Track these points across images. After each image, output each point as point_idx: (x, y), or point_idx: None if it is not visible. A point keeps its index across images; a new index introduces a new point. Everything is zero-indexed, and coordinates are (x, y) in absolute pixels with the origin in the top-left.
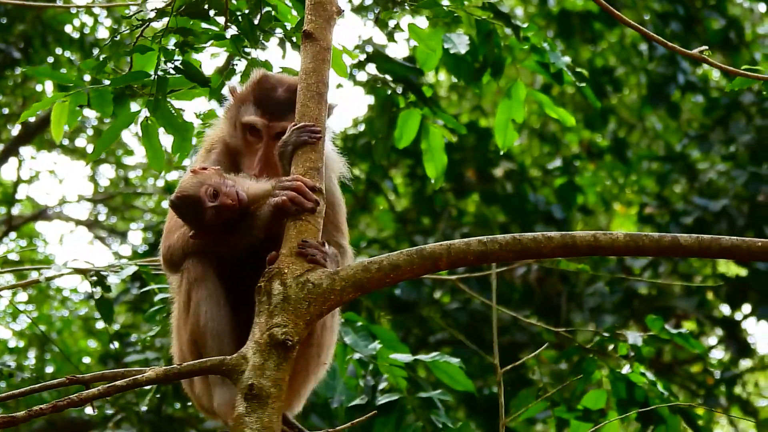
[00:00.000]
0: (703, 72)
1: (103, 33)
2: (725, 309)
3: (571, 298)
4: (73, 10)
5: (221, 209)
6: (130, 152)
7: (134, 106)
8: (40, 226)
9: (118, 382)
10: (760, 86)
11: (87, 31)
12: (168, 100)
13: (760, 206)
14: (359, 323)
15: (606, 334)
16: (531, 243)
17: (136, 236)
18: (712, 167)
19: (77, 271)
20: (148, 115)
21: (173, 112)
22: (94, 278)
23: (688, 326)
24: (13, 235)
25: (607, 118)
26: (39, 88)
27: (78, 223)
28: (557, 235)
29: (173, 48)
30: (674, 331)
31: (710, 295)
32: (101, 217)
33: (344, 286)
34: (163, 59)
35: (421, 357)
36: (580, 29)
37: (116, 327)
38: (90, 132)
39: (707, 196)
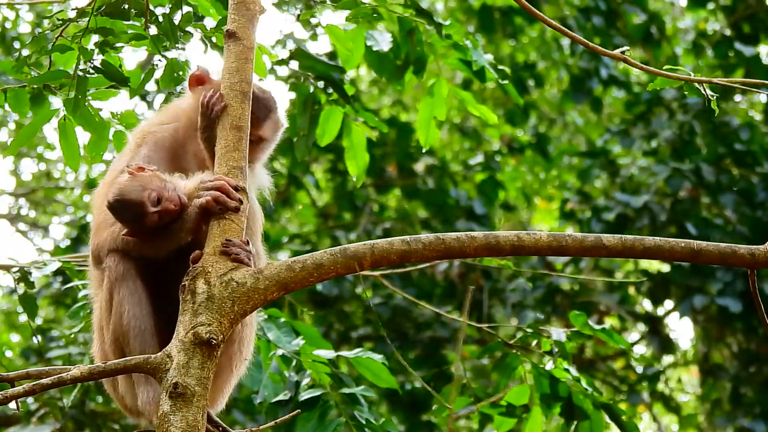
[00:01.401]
0: (624, 67)
1: (25, 28)
2: (647, 305)
3: (493, 294)
4: None
5: (164, 214)
6: (51, 147)
7: (55, 102)
8: None
9: (43, 381)
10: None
11: (9, 26)
12: (87, 99)
13: (682, 202)
14: (282, 319)
15: (529, 330)
16: (454, 243)
17: (59, 230)
18: (633, 162)
19: (1, 267)
20: (65, 113)
21: (91, 111)
22: (18, 274)
23: (611, 322)
24: None
25: (528, 113)
26: None
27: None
28: (480, 235)
29: (93, 48)
30: (597, 327)
31: (632, 291)
32: (23, 211)
33: (268, 285)
34: (82, 59)
35: (344, 353)
36: (502, 24)
37: (38, 321)
38: (12, 126)
39: (629, 192)
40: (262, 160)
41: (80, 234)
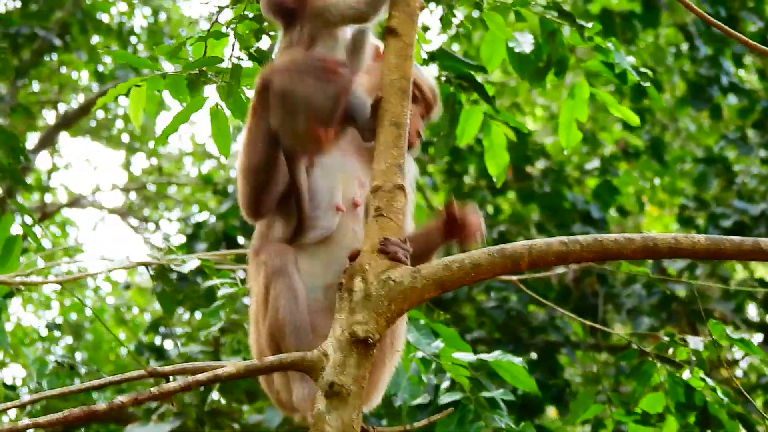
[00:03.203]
0: (735, 74)
1: (139, 21)
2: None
3: (608, 299)
4: None
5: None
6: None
7: (206, 90)
8: (72, 213)
9: (198, 377)
10: None
11: (124, 19)
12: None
13: None
14: (422, 321)
15: (666, 338)
16: (612, 244)
17: (170, 227)
18: (748, 170)
19: (140, 264)
20: (218, 101)
21: (244, 99)
22: (155, 272)
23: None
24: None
25: (644, 118)
26: (75, 75)
27: (111, 211)
28: (638, 237)
29: (247, 34)
30: (736, 337)
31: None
32: (134, 206)
33: (425, 284)
34: (237, 45)
35: (484, 356)
36: (622, 29)
37: (146, 317)
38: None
39: (746, 199)
40: (416, 148)
41: (196, 231)
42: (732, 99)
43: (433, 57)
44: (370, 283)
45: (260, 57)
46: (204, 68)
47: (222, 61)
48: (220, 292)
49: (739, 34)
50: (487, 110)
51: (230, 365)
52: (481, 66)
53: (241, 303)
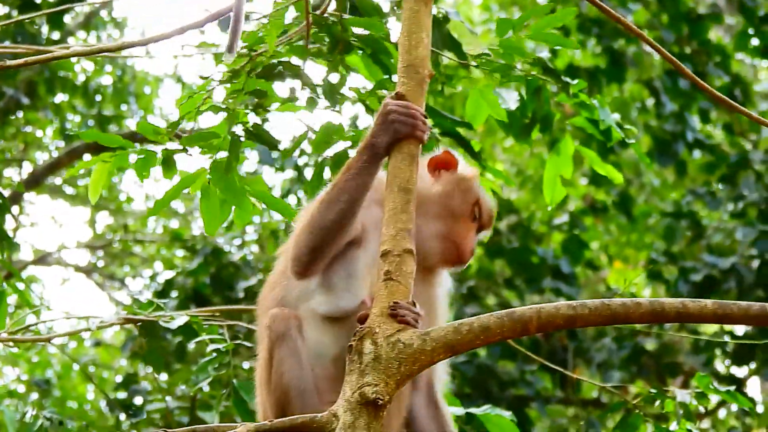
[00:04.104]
0: (702, 130)
1: (106, 80)
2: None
3: (578, 353)
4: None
5: None
6: (129, 199)
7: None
8: (38, 271)
9: None
10: None
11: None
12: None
13: None
14: None
15: (653, 390)
16: (620, 308)
17: (135, 284)
18: (719, 224)
19: (127, 320)
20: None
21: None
22: (143, 328)
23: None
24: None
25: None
26: (39, 134)
27: (77, 269)
28: (646, 302)
29: (246, 110)
30: (723, 389)
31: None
32: (100, 263)
33: (435, 347)
34: (234, 121)
35: (474, 410)
36: (588, 84)
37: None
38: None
39: (716, 253)
40: (465, 265)
41: (166, 288)
42: (696, 154)
43: None
44: (380, 345)
45: (257, 133)
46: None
47: (219, 137)
48: (209, 348)
49: (707, 85)
50: (474, 166)
51: (241, 426)
52: (467, 122)
53: (229, 359)
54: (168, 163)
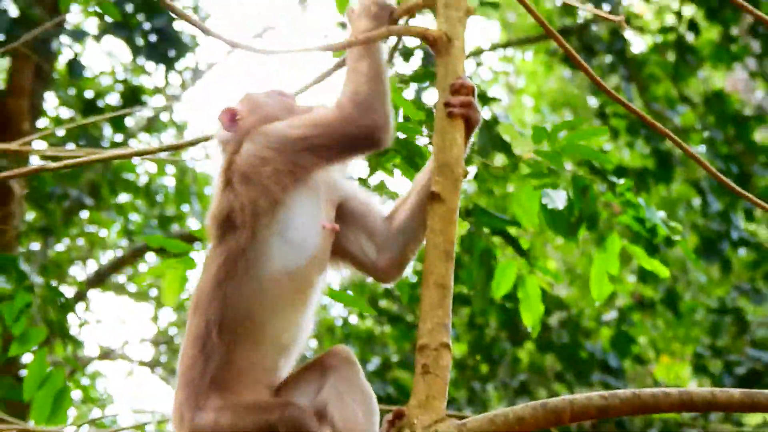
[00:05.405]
0: (746, 228)
1: (167, 181)
2: None
3: None
4: (136, 160)
5: None
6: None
7: None
8: (103, 366)
9: None
10: None
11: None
12: None
13: None
14: None
15: None
16: (650, 399)
17: None
18: (763, 320)
19: None
20: None
21: None
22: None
23: None
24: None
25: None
26: (103, 233)
27: (141, 363)
28: (675, 392)
29: None
30: None
31: None
32: (163, 358)
33: None
34: None
35: None
36: (636, 184)
37: None
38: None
39: (760, 348)
40: None
41: None
42: (741, 251)
43: (468, 213)
44: None
45: None
46: None
47: None
48: None
49: (746, 192)
50: (522, 264)
51: None
52: (515, 221)
53: None
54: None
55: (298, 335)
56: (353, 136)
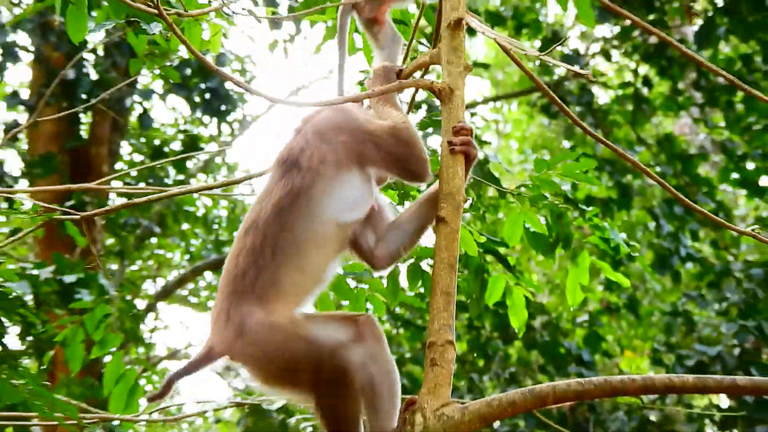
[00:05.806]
0: (693, 246)
1: (221, 212)
2: None
3: (597, 424)
4: (195, 195)
5: None
6: None
7: None
8: (171, 364)
9: None
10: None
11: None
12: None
13: (748, 352)
14: None
15: None
16: (619, 384)
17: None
18: (707, 321)
19: (237, 404)
20: None
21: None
22: (249, 409)
23: None
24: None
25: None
26: (169, 255)
27: None
28: (639, 378)
29: None
30: None
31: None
32: None
33: (471, 418)
34: None
35: None
36: (602, 211)
37: None
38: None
39: (705, 343)
40: None
41: None
42: (689, 265)
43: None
44: (428, 418)
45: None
46: None
47: None
48: (302, 425)
49: (701, 208)
50: (509, 277)
51: None
52: (504, 242)
53: None
54: None
55: (329, 276)
56: (406, 157)
